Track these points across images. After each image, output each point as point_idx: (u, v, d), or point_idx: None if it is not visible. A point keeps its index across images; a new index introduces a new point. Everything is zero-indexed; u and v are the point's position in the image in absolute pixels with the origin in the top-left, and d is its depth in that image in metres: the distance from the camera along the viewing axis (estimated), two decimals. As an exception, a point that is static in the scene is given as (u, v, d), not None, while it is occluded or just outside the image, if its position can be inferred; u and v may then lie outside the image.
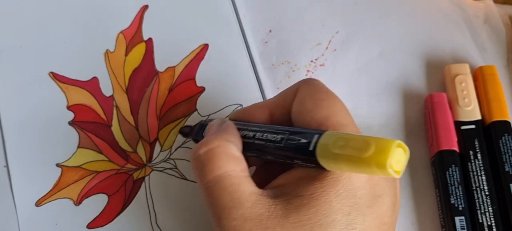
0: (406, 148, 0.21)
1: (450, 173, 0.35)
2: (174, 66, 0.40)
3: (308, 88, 0.27)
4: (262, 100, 0.39)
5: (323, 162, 0.23)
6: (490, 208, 0.34)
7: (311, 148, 0.23)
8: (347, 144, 0.21)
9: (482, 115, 0.37)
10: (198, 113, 0.38)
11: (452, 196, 0.34)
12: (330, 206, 0.22)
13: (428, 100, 0.38)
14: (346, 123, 0.25)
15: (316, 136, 0.23)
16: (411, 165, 0.37)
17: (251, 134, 0.27)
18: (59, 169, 0.37)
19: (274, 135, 0.26)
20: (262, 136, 0.26)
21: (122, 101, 0.39)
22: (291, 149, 0.25)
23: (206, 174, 0.24)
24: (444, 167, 0.35)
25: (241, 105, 0.38)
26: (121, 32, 0.40)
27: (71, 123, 0.38)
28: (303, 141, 0.24)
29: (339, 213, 0.22)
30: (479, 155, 0.35)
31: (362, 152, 0.20)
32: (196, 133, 0.33)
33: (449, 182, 0.35)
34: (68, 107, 0.38)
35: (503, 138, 0.36)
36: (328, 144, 0.22)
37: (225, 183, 0.24)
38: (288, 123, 0.28)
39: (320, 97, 0.27)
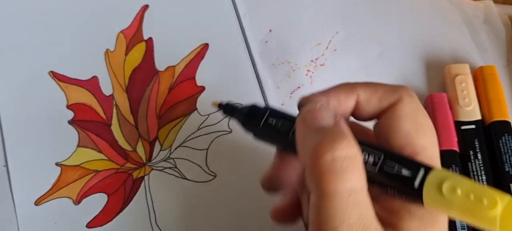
0: None
1: (504, 141, 0.35)
2: (174, 66, 0.40)
3: (411, 103, 0.25)
4: (262, 100, 0.39)
5: (428, 203, 0.21)
6: (490, 208, 0.34)
7: (416, 185, 0.21)
8: (467, 193, 0.20)
9: (482, 115, 0.37)
10: (198, 112, 0.38)
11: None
12: None
13: (428, 100, 0.38)
14: (437, 158, 0.24)
15: (422, 171, 0.21)
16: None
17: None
18: (59, 168, 0.37)
19: (364, 154, 0.23)
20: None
21: (122, 101, 0.38)
22: (389, 177, 0.22)
23: (342, 181, 0.21)
24: (444, 167, 0.35)
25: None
26: (121, 31, 0.40)
27: (71, 122, 0.38)
28: (406, 172, 0.22)
29: None
30: (479, 155, 0.35)
31: (487, 208, 0.20)
32: (253, 119, 0.26)
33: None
34: (68, 107, 0.38)
35: (503, 138, 0.36)
36: (438, 185, 0.21)
37: (359, 199, 0.21)
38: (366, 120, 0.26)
39: (422, 122, 0.24)
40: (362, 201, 0.21)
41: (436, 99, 0.38)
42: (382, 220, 0.22)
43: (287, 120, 0.25)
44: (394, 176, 0.22)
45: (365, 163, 0.22)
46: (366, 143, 0.23)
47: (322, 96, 0.25)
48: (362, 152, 0.22)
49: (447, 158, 0.35)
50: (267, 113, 0.25)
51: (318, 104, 0.23)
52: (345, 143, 0.22)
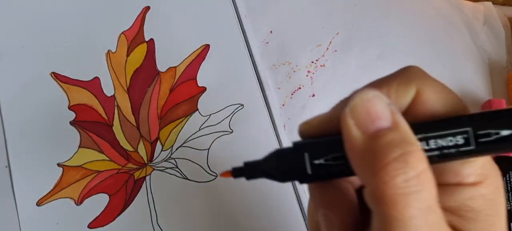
0: None
1: (508, 179, 0.35)
2: (175, 67, 0.40)
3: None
4: (263, 100, 0.39)
5: None
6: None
7: None
8: None
9: None
10: (199, 113, 0.38)
11: (509, 202, 0.34)
12: None
13: (487, 106, 0.38)
14: None
15: None
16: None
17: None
18: (60, 169, 0.37)
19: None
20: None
21: (123, 101, 0.39)
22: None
23: (417, 202, 0.18)
24: (502, 173, 0.35)
25: (242, 105, 0.38)
26: (123, 32, 0.41)
27: (72, 123, 0.38)
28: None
29: None
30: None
31: None
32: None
33: (506, 188, 0.35)
34: (70, 107, 0.38)
35: None
36: None
37: (434, 218, 0.18)
38: None
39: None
40: (439, 219, 0.19)
41: (495, 105, 0.38)
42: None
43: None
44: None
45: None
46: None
47: (372, 87, 0.20)
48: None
49: (505, 164, 0.35)
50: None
51: (370, 94, 0.19)
52: (416, 157, 0.18)
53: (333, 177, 0.21)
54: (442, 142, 0.19)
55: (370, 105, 0.19)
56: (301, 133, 0.22)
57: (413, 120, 0.20)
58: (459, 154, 0.19)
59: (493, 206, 0.20)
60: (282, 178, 0.21)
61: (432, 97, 0.20)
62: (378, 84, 0.21)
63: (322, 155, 0.20)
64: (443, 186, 0.20)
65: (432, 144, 0.19)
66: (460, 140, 0.19)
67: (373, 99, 0.19)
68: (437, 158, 0.19)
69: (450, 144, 0.19)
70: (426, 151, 0.19)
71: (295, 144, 0.21)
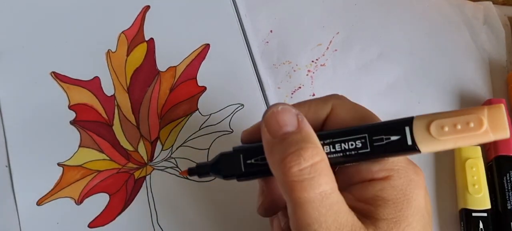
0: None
1: (508, 178, 0.35)
2: (175, 66, 0.40)
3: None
4: (263, 100, 0.39)
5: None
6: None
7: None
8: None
9: None
10: (199, 112, 0.38)
11: (509, 202, 0.34)
12: (413, 228, 0.24)
13: (486, 105, 0.38)
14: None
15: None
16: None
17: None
18: (61, 168, 0.37)
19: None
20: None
21: (124, 101, 0.39)
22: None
23: (311, 188, 0.22)
24: (501, 172, 0.35)
25: (242, 105, 0.38)
26: (123, 32, 0.41)
27: (73, 122, 0.38)
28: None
29: None
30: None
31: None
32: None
33: (506, 187, 0.35)
34: (70, 107, 0.38)
35: None
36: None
37: (330, 200, 0.23)
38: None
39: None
40: (335, 201, 0.23)
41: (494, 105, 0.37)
42: (358, 211, 0.24)
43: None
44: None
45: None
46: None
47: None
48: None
49: (504, 163, 0.35)
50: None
51: (280, 107, 0.24)
52: (309, 151, 0.23)
53: (263, 174, 0.26)
54: (345, 145, 0.24)
55: (279, 115, 0.24)
56: (242, 139, 0.28)
57: (328, 129, 0.26)
58: (359, 155, 0.24)
59: (403, 194, 0.24)
60: (224, 176, 0.26)
61: (343, 112, 0.26)
62: (304, 102, 0.27)
63: (253, 156, 0.25)
64: (361, 182, 0.25)
65: (338, 147, 0.24)
66: (359, 143, 0.23)
67: (281, 110, 0.24)
68: (342, 159, 0.24)
69: (351, 147, 0.24)
70: (333, 152, 0.24)
71: (234, 148, 0.26)
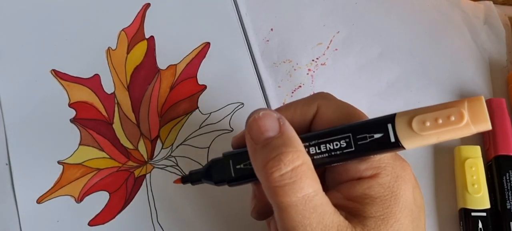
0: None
1: (507, 178, 0.35)
2: (175, 64, 0.40)
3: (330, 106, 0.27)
4: (263, 98, 0.39)
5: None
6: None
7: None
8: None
9: None
10: (200, 111, 0.38)
11: (508, 201, 0.34)
12: (401, 224, 0.24)
13: (488, 104, 0.38)
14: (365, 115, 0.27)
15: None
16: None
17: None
18: (61, 166, 0.37)
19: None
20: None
21: (124, 99, 0.39)
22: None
23: (293, 192, 0.23)
24: (501, 172, 0.35)
25: (242, 104, 0.38)
26: (123, 30, 0.41)
27: (73, 120, 0.38)
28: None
29: (408, 229, 0.24)
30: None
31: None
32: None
33: (506, 187, 0.35)
34: (70, 105, 0.38)
35: None
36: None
37: (314, 203, 0.23)
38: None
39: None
40: (319, 203, 0.23)
41: (495, 104, 0.38)
42: (346, 209, 0.24)
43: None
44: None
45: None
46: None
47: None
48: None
49: (504, 163, 0.35)
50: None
51: (261, 113, 0.24)
52: (290, 156, 0.23)
53: (253, 178, 0.25)
54: (330, 146, 0.24)
55: (260, 121, 0.24)
56: (232, 144, 0.29)
57: (316, 129, 0.26)
58: (344, 154, 0.24)
59: (390, 191, 0.24)
60: (215, 182, 0.27)
61: (329, 111, 0.26)
62: (290, 104, 0.28)
63: (242, 161, 0.26)
64: (349, 181, 0.25)
65: (323, 147, 0.24)
66: (343, 143, 0.24)
67: (263, 116, 0.24)
68: (328, 159, 0.24)
69: (336, 147, 0.24)
70: (318, 153, 0.24)
71: (224, 154, 0.27)
